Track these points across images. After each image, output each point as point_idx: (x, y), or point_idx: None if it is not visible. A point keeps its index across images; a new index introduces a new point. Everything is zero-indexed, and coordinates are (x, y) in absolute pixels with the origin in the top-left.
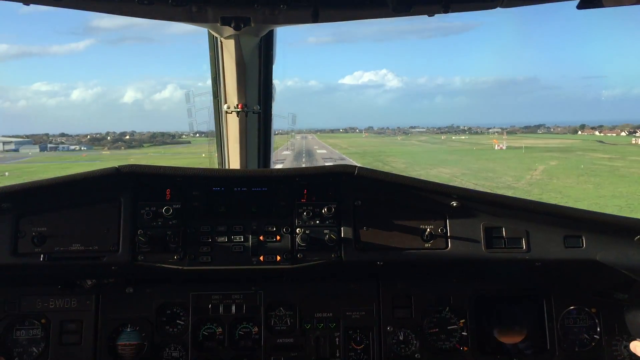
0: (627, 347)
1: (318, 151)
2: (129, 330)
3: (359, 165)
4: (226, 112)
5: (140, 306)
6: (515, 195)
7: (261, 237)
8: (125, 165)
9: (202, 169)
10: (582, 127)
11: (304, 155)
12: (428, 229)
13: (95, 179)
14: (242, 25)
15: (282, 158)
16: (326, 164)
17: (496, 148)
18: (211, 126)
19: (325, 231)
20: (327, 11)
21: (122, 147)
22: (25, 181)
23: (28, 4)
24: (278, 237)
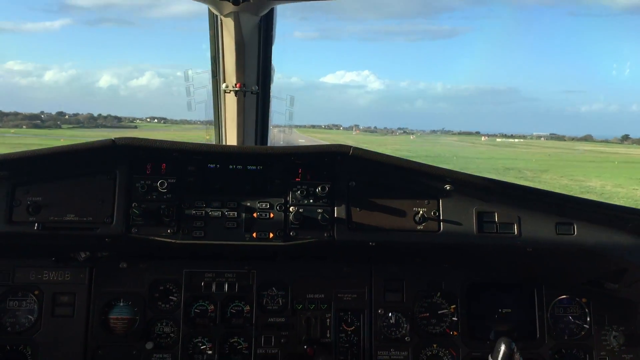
0: (616, 337)
1: None
2: (121, 304)
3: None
4: (224, 92)
5: (133, 281)
6: None
7: (254, 214)
8: (121, 137)
9: (199, 144)
10: (626, 137)
11: None
12: (421, 212)
13: (92, 151)
14: (242, 0)
15: None
16: None
17: None
18: (209, 107)
19: (319, 210)
20: None
21: (24, 127)
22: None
23: None
24: (271, 215)
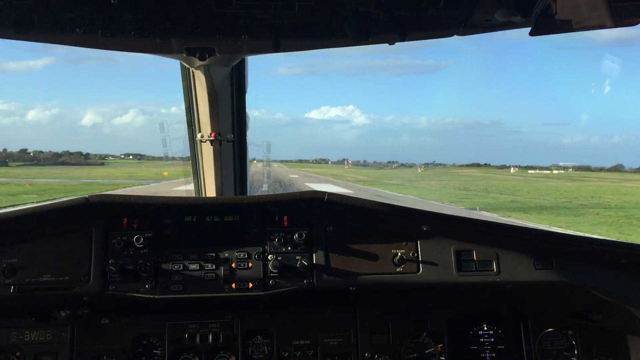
0: None
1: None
2: None
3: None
4: (200, 141)
5: (116, 337)
6: None
7: (233, 265)
8: (95, 195)
9: (173, 198)
10: None
11: None
12: (399, 254)
13: (65, 210)
14: (207, 56)
15: None
16: None
17: None
18: (186, 154)
19: (297, 257)
20: (288, 41)
21: None
22: None
23: None
24: (250, 264)
